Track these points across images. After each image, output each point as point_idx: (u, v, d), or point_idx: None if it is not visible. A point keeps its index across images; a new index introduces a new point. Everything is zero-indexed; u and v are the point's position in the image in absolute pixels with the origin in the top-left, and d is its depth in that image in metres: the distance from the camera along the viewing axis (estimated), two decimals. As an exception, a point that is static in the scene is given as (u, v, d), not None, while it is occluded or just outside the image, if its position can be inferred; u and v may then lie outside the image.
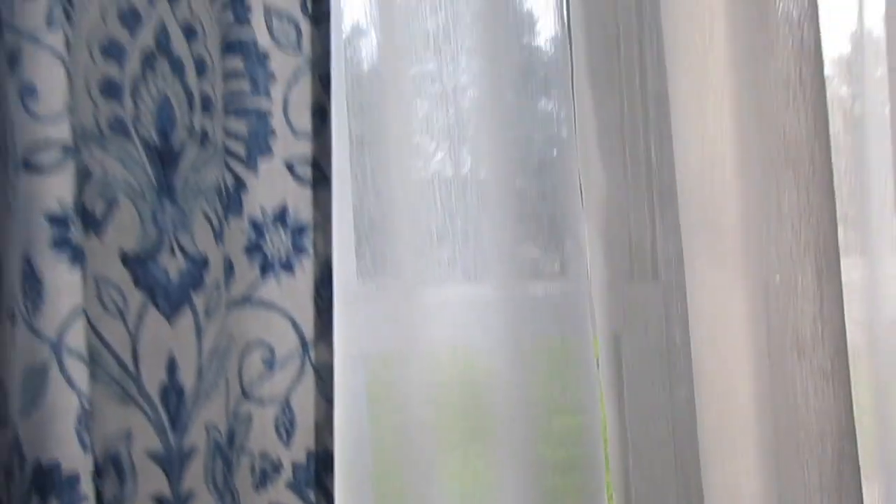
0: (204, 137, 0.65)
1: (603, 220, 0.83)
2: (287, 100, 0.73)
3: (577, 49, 0.79)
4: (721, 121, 0.76)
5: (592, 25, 0.78)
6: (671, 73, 0.75)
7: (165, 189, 0.62)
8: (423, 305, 0.83)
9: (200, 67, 0.65)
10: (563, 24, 0.78)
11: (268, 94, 0.73)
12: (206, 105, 0.66)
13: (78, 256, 0.62)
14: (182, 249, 0.62)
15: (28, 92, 0.62)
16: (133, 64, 0.61)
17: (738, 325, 0.77)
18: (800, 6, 0.73)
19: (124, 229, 0.60)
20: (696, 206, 0.78)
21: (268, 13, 0.73)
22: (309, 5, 0.73)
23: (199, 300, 0.63)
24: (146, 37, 0.62)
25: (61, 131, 0.63)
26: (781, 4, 0.74)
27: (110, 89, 0.61)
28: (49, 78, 0.63)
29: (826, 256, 0.73)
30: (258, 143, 0.72)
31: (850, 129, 0.88)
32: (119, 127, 0.61)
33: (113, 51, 0.61)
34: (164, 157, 0.62)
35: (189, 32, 0.65)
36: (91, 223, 0.61)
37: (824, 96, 0.73)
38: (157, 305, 0.60)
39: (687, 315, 0.76)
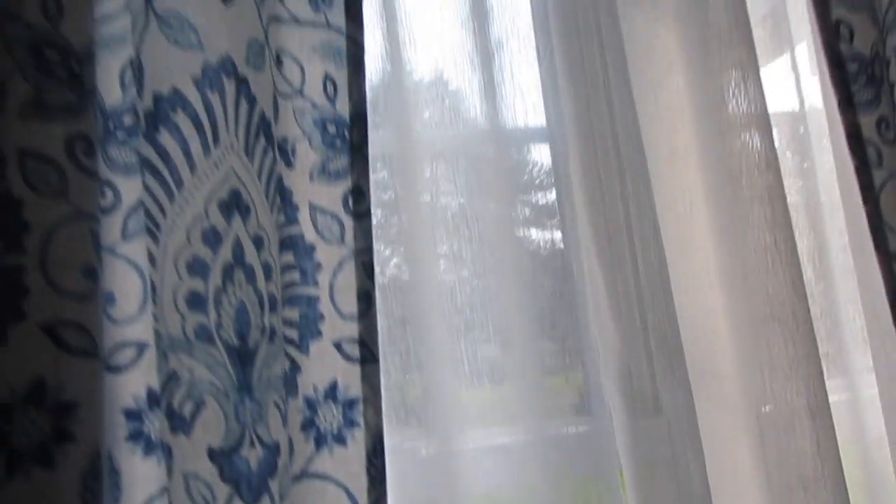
0: (272, 334, 0.73)
1: (617, 371, 0.92)
2: (333, 286, 0.82)
3: (585, 243, 0.91)
4: (710, 281, 0.88)
5: (597, 222, 0.91)
6: (666, 244, 0.87)
7: (245, 386, 0.69)
8: (457, 455, 0.90)
9: (267, 272, 0.74)
10: (574, 229, 0.91)
11: (315, 282, 0.81)
12: (273, 304, 0.74)
13: (152, 448, 0.68)
14: (260, 440, 0.68)
15: (109, 300, 0.70)
16: (215, 278, 0.70)
17: (745, 464, 0.86)
18: (767, 184, 0.87)
19: (210, 427, 0.67)
20: (696, 355, 0.88)
21: (313, 210, 0.82)
22: (351, 204, 0.83)
23: (274, 485, 0.69)
24: (225, 252, 0.70)
25: (136, 332, 0.70)
26: (751, 181, 0.88)
27: (196, 301, 0.69)
28: (124, 284, 0.71)
29: (817, 399, 0.83)
30: (309, 327, 0.80)
31: (820, 277, 1.01)
32: (204, 334, 0.68)
33: (197, 267, 0.69)
34: (243, 357, 0.69)
35: (258, 242, 0.74)
36: (179, 424, 0.67)
37: (798, 259, 0.86)
38: (241, 496, 0.66)
39: (703, 458, 0.84)
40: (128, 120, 0.76)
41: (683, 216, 0.89)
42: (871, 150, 0.90)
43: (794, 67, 1.12)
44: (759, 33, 0.97)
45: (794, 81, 1.07)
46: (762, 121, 0.89)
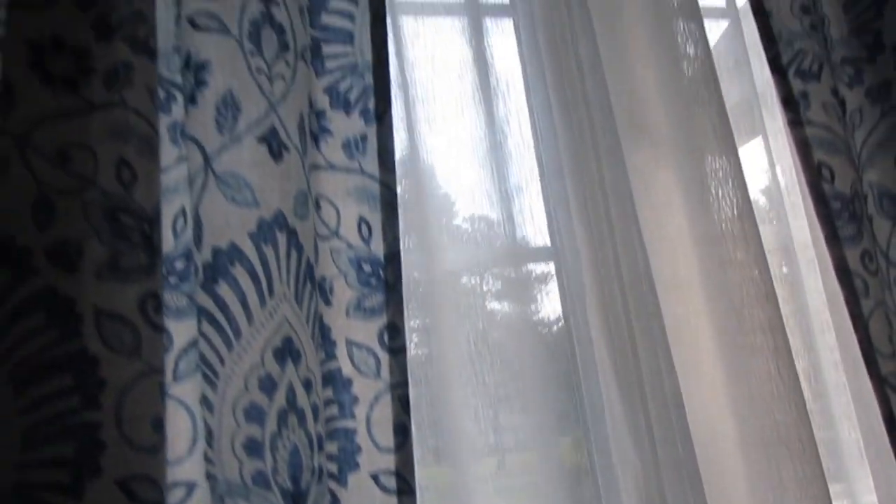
0: (320, 474, 0.77)
1: (635, 491, 0.97)
2: (370, 419, 0.86)
3: (602, 372, 0.97)
4: (720, 407, 0.94)
5: (613, 356, 0.97)
6: (679, 373, 0.93)
7: (298, 529, 0.72)
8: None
9: (315, 413, 0.79)
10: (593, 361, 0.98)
11: (353, 415, 0.86)
12: (320, 444, 0.78)
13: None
14: (312, 582, 0.71)
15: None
16: (271, 424, 0.74)
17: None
18: (768, 315, 0.95)
19: (267, 572, 0.70)
20: (708, 477, 0.94)
21: (350, 346, 0.88)
22: (386, 339, 0.88)
23: None
24: (280, 398, 0.75)
25: (186, 472, 0.74)
26: (752, 313, 0.95)
27: (253, 448, 0.73)
28: (175, 425, 0.75)
29: (826, 520, 0.88)
30: (347, 460, 0.84)
31: (817, 396, 1.08)
32: (261, 480, 0.72)
33: (255, 414, 0.74)
34: (297, 500, 0.73)
35: (307, 385, 0.79)
36: (237, 569, 0.70)
37: (799, 385, 0.92)
38: None
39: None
40: (179, 265, 0.82)
41: (691, 344, 0.96)
42: (858, 282, 0.98)
43: (768, 150, 1.24)
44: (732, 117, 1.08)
45: (769, 165, 1.18)
46: (759, 256, 0.98)
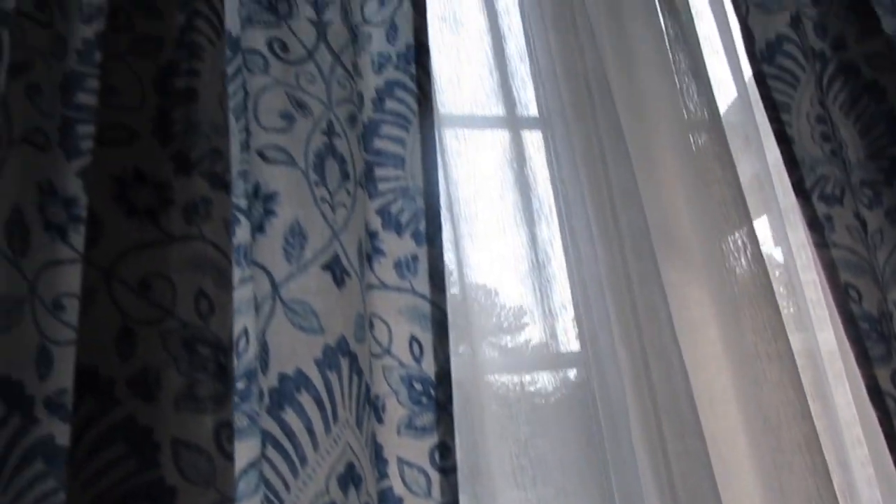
0: None
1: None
2: (422, 533, 0.88)
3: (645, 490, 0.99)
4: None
5: (657, 471, 1.00)
6: (721, 493, 0.96)
7: None
8: None
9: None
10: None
11: (406, 523, 0.87)
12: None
13: None
14: None
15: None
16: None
17: None
18: (804, 434, 0.98)
19: None
20: None
21: (401, 464, 0.90)
22: (437, 458, 0.90)
23: None
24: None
25: None
26: (791, 433, 0.98)
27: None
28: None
29: None
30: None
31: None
32: None
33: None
34: None
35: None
36: None
37: (834, 492, 0.95)
38: None
39: None
40: (241, 385, 0.85)
41: (730, 464, 0.99)
42: (891, 402, 1.01)
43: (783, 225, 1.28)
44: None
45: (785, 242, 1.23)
46: (793, 375, 1.01)
